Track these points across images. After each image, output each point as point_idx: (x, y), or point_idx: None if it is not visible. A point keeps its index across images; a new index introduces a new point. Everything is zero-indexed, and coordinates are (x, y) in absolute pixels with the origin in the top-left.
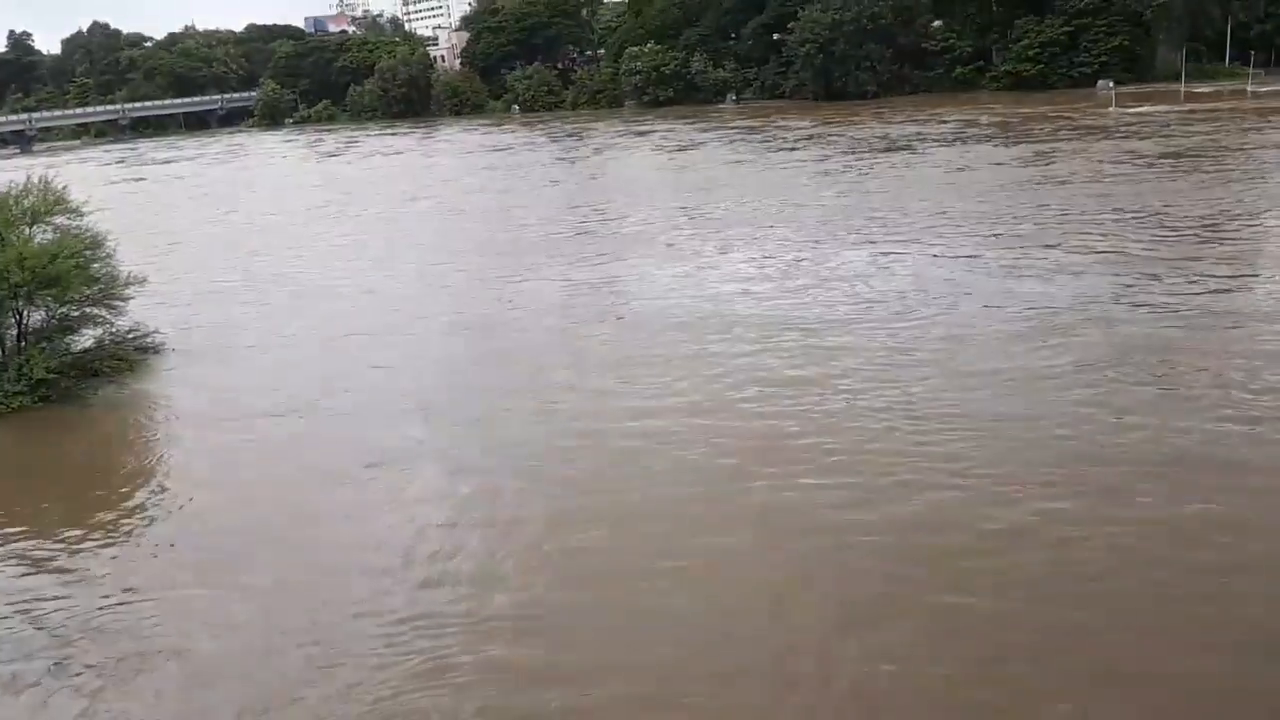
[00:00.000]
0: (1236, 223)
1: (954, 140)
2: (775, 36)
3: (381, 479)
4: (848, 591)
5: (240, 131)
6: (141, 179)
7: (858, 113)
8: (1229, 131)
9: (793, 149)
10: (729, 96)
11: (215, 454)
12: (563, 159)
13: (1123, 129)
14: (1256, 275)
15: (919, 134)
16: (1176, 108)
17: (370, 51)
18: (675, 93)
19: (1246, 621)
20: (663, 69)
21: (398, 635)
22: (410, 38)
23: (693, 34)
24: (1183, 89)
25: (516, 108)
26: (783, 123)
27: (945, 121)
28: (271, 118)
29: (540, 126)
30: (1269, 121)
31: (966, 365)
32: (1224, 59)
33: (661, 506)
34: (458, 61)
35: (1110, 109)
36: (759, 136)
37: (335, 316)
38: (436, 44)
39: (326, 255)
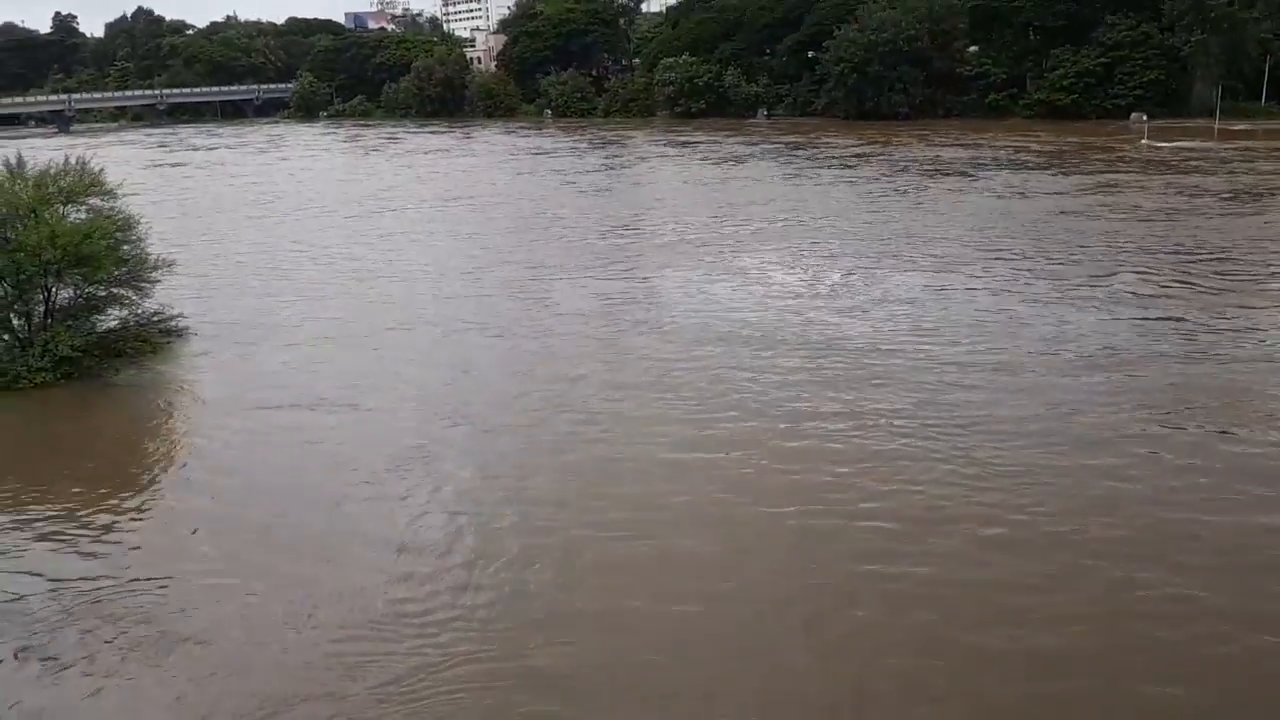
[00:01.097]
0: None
1: (1005, 166)
2: (810, 54)
3: (407, 479)
4: None
5: (277, 122)
6: (181, 164)
7: (899, 133)
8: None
9: (845, 166)
10: (760, 111)
11: (237, 441)
12: (608, 166)
13: (1174, 163)
14: None
15: (971, 158)
16: (1211, 144)
17: (408, 50)
18: (707, 105)
19: None
20: (696, 81)
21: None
22: (448, 38)
23: (728, 48)
24: (1216, 125)
25: (549, 112)
26: (827, 140)
27: (993, 147)
28: (307, 110)
29: (579, 132)
30: None
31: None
32: (1260, 98)
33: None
34: (493, 64)
35: (1143, 141)
36: (805, 154)
37: (369, 312)
38: (473, 45)
39: (364, 250)
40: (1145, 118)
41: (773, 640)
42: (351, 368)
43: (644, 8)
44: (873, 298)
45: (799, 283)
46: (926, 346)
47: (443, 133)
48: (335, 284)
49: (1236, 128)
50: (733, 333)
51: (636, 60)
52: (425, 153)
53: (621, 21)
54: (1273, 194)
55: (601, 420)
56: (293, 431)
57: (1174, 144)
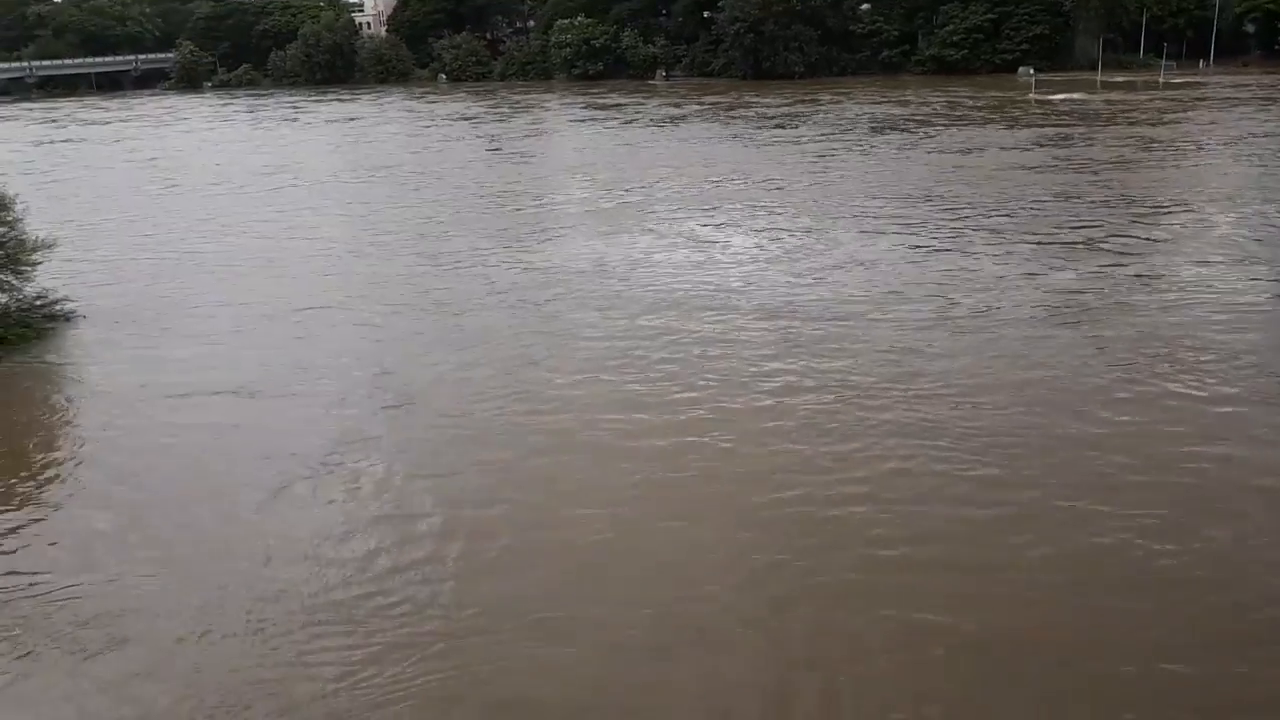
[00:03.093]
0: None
1: (920, 122)
2: (705, 14)
3: (330, 471)
4: None
5: (159, 94)
6: (73, 140)
7: (823, 91)
8: (1139, 119)
9: (779, 126)
10: (659, 72)
11: (134, 434)
12: (533, 132)
13: (1069, 113)
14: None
15: (889, 116)
16: (1093, 95)
17: (293, 16)
18: (605, 67)
19: None
20: (593, 43)
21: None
22: (335, 3)
23: (623, 9)
24: (1099, 78)
25: (444, 77)
26: (752, 99)
27: (903, 103)
28: (190, 81)
29: (487, 97)
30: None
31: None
32: (1139, 50)
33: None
34: (384, 28)
35: (1031, 95)
36: (736, 115)
37: (282, 291)
38: (362, 10)
39: (276, 226)
40: (1032, 71)
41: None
42: (262, 351)
43: None
44: (832, 261)
45: (752, 247)
46: (892, 308)
47: (348, 100)
48: (245, 262)
49: (1117, 79)
50: (685, 299)
51: (532, 22)
52: (333, 121)
53: None
54: (1195, 145)
55: (547, 400)
56: (196, 422)
57: (1061, 96)
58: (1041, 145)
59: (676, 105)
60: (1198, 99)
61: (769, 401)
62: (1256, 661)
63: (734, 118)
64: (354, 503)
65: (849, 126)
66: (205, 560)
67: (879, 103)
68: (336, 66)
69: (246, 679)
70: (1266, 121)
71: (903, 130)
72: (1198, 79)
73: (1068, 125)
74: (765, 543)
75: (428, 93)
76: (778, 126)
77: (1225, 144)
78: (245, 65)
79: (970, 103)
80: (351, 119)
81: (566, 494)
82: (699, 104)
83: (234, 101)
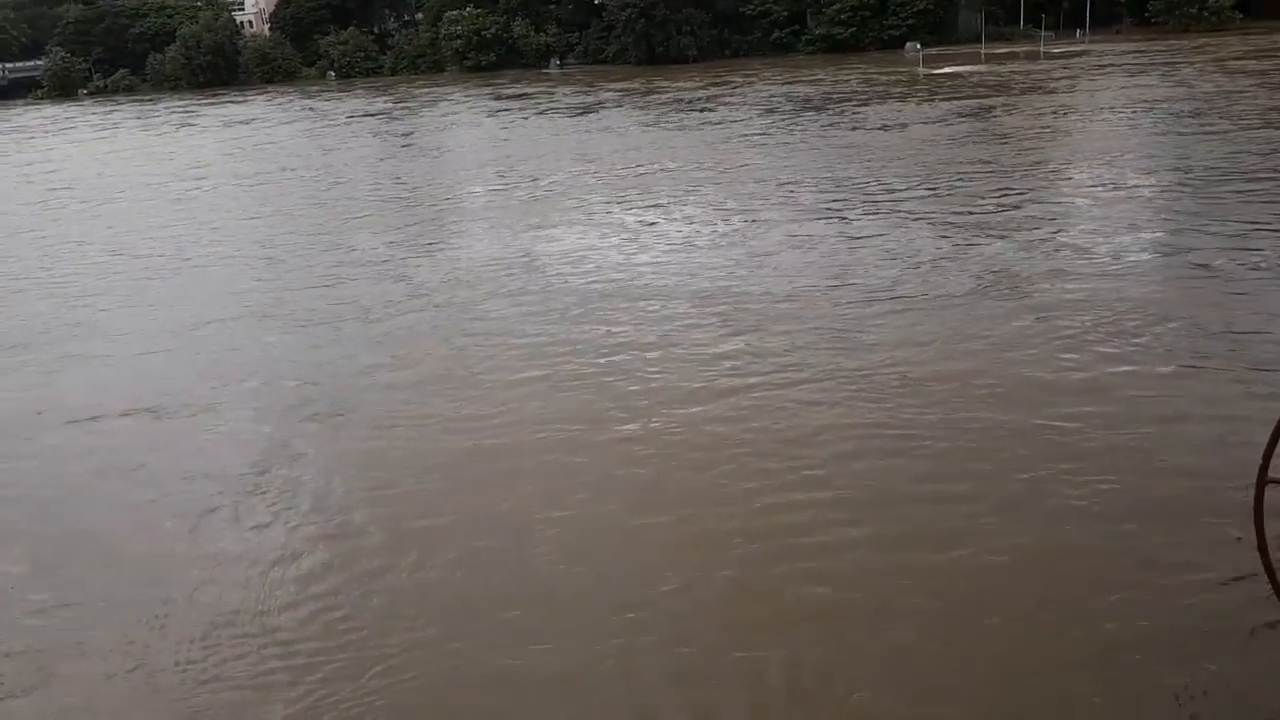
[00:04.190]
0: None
1: (835, 99)
2: (596, 1)
3: (246, 491)
4: None
5: (30, 104)
6: None
7: (733, 74)
8: (1024, 89)
9: (697, 110)
10: (553, 61)
11: (27, 464)
12: (443, 126)
13: (957, 86)
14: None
15: (807, 94)
16: (980, 67)
17: (169, 17)
18: (497, 57)
19: None
20: (484, 33)
21: None
22: (214, 2)
23: None
24: (983, 50)
25: (332, 74)
26: (664, 83)
27: (816, 81)
28: (63, 89)
29: (393, 91)
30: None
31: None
32: (1019, 22)
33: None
34: (266, 27)
35: (920, 69)
36: (652, 99)
37: (186, 305)
38: (243, 8)
39: (174, 236)
40: (919, 46)
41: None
42: (173, 368)
43: None
44: (769, 244)
45: (687, 233)
46: (831, 290)
47: (243, 102)
48: (149, 276)
49: (1000, 50)
50: (620, 291)
51: (420, 15)
52: (233, 123)
53: None
54: (1100, 109)
55: (483, 404)
56: (106, 446)
57: (948, 69)
58: (963, 117)
59: (589, 93)
60: (1089, 66)
61: (717, 390)
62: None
63: (651, 103)
64: (285, 523)
65: (770, 107)
66: (131, 593)
67: (792, 82)
68: (219, 68)
69: (183, 713)
70: (1158, 86)
71: (822, 109)
72: (1077, 48)
73: (982, 96)
74: (725, 539)
75: (325, 90)
76: (697, 110)
77: (1128, 107)
78: (122, 70)
79: (884, 79)
80: (251, 120)
81: (513, 501)
82: (612, 90)
83: (119, 108)
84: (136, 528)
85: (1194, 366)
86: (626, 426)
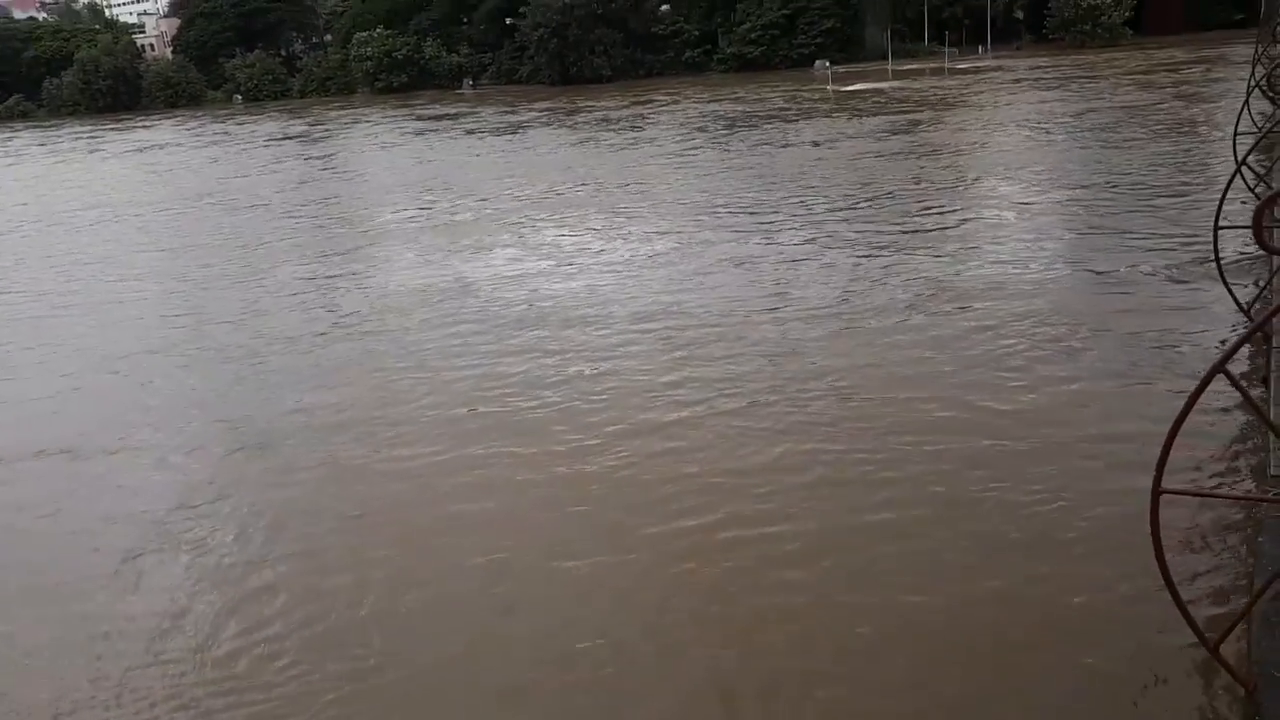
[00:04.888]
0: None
1: (755, 119)
2: (508, 21)
3: (173, 533)
4: None
5: None
6: None
7: (655, 92)
8: (939, 104)
9: (630, 129)
10: (466, 82)
11: None
12: (365, 148)
13: (865, 103)
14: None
15: (732, 111)
16: (888, 84)
17: (66, 41)
18: (409, 78)
19: None
20: (395, 54)
21: None
22: (113, 25)
23: (424, 18)
24: (890, 67)
25: (239, 98)
26: (589, 102)
27: (739, 99)
28: None
29: (308, 114)
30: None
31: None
32: (924, 38)
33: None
34: (169, 50)
35: (829, 87)
36: (579, 119)
37: (100, 339)
38: (143, 31)
39: (87, 268)
40: (829, 64)
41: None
42: (88, 406)
43: None
44: (705, 264)
45: (624, 253)
46: (771, 309)
47: (152, 127)
48: (59, 310)
49: (907, 67)
50: (557, 313)
51: (329, 37)
52: (145, 149)
53: None
54: (1016, 123)
55: (419, 438)
56: (16, 491)
57: (857, 86)
58: (893, 133)
59: (513, 112)
60: (1004, 81)
61: (661, 419)
62: None
63: (578, 122)
64: (216, 566)
65: (699, 125)
66: (55, 648)
67: (717, 100)
68: (120, 93)
69: None
70: (1074, 100)
71: (752, 126)
72: (980, 63)
73: (908, 112)
74: (679, 578)
75: (235, 114)
76: (626, 128)
77: (1047, 121)
78: (16, 96)
79: (809, 96)
80: (164, 145)
81: (449, 545)
82: (536, 110)
83: (17, 135)
84: (55, 573)
85: (1142, 383)
86: (568, 461)
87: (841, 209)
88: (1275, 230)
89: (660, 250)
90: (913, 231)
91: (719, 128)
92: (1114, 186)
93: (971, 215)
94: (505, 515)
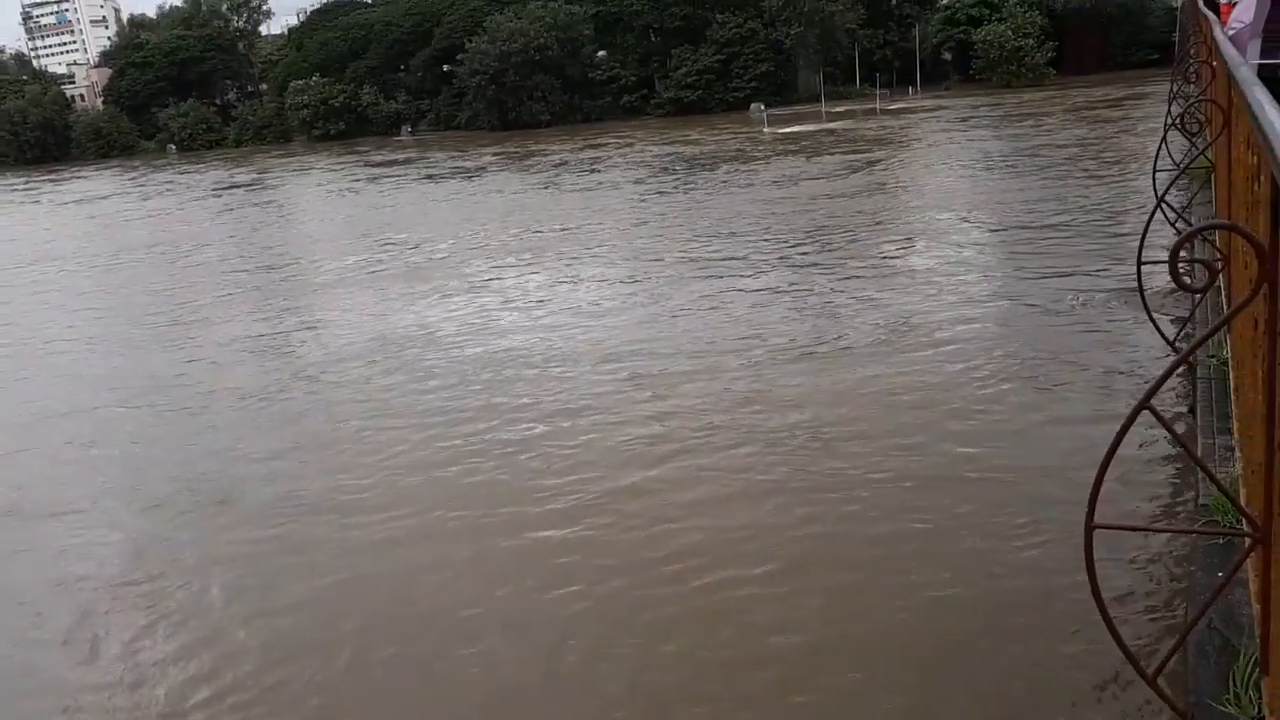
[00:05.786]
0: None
1: (693, 161)
2: (445, 68)
3: (124, 596)
4: None
5: None
6: None
7: (603, 135)
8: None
9: (586, 172)
10: (404, 128)
11: None
12: (316, 196)
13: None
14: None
15: (687, 154)
16: (822, 125)
17: None
18: (347, 125)
19: None
20: (331, 102)
21: None
22: (41, 75)
23: (360, 66)
24: (824, 109)
25: (173, 147)
26: (540, 146)
27: (692, 141)
28: None
29: (251, 162)
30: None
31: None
32: (855, 81)
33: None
34: (100, 101)
35: (765, 130)
36: (535, 163)
37: (41, 396)
38: (73, 81)
39: (26, 324)
40: (764, 107)
41: None
42: (30, 466)
43: (263, 30)
44: (671, 307)
45: (590, 297)
46: (740, 350)
47: (92, 178)
48: None
49: (839, 109)
50: (524, 359)
51: (264, 85)
52: (85, 200)
53: (241, 46)
54: (963, 162)
55: (384, 494)
56: None
57: (792, 129)
58: (852, 171)
59: (465, 157)
60: (934, 121)
61: (634, 462)
62: None
63: (532, 166)
64: (172, 631)
65: (657, 168)
66: (5, 708)
67: (671, 143)
68: (49, 144)
69: None
70: (1003, 138)
71: (709, 169)
72: (910, 104)
73: (862, 152)
74: (664, 623)
75: (172, 163)
76: (585, 171)
77: (980, 159)
78: None
79: (768, 137)
80: (105, 196)
81: (418, 605)
82: (490, 155)
83: None
84: (4, 641)
85: (1114, 416)
86: (540, 511)
87: (809, 246)
88: (1197, 265)
89: (630, 290)
90: (878, 265)
91: (684, 169)
92: (1048, 225)
93: (934, 249)
94: (474, 569)
